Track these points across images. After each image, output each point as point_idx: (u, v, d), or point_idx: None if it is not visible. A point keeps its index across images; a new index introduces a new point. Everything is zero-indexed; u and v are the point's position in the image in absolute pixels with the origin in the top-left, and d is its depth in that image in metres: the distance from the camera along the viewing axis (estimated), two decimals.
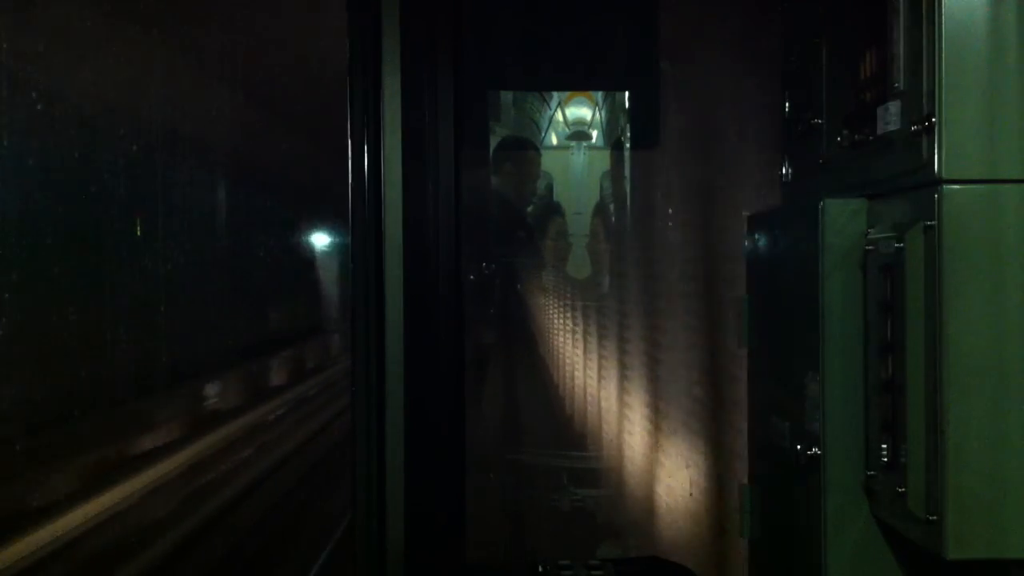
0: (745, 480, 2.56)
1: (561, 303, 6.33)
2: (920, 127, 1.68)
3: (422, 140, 2.96)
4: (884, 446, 1.80)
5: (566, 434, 5.79)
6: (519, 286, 5.61)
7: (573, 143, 5.69)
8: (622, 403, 5.37)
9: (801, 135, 2.32)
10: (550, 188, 5.49)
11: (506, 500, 4.84)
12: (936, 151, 1.64)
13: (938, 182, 1.64)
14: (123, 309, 2.89)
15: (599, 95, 5.44)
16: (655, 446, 4.78)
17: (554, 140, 5.78)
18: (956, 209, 1.63)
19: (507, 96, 5.05)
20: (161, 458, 3.22)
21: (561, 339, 6.40)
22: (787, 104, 2.47)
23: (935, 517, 1.64)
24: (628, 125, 4.71)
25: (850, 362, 1.92)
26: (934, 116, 1.65)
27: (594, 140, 5.69)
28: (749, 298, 2.51)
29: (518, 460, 5.20)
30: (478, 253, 5.01)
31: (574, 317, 6.20)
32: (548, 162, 5.49)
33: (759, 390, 2.49)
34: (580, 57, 3.67)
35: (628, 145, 4.95)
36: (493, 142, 4.78)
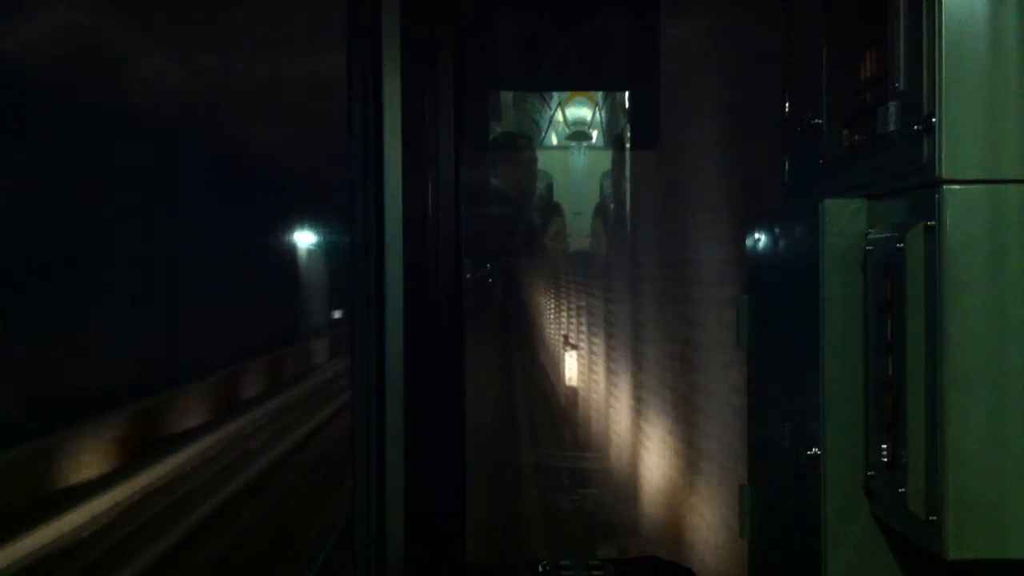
0: (745, 480, 2.56)
1: (559, 302, 6.31)
2: (920, 127, 1.68)
3: (422, 140, 2.96)
4: (884, 446, 1.80)
5: (565, 434, 5.78)
6: (518, 285, 5.59)
7: (573, 143, 5.68)
8: (621, 403, 5.37)
9: (801, 135, 2.32)
10: (550, 188, 5.49)
11: (506, 500, 4.84)
12: (936, 151, 1.64)
13: (938, 182, 1.64)
14: None
15: (599, 95, 5.43)
16: (655, 446, 4.78)
17: (554, 140, 5.77)
18: (956, 209, 1.63)
19: (507, 96, 5.05)
20: None
21: (560, 338, 6.39)
22: (787, 104, 2.47)
23: (935, 517, 1.64)
24: (628, 125, 4.71)
25: (850, 362, 1.92)
26: (934, 116, 1.64)
27: (594, 140, 5.68)
28: (749, 298, 2.51)
29: (518, 460, 5.19)
30: (478, 253, 5.00)
31: (573, 317, 6.18)
32: (548, 162, 5.49)
33: (759, 390, 2.49)
34: (580, 57, 3.67)
35: (628, 145, 4.95)
36: (493, 142, 4.77)
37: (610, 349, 5.62)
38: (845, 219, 1.94)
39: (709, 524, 4.07)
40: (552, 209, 5.40)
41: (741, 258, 2.61)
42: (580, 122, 5.63)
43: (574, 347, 6.53)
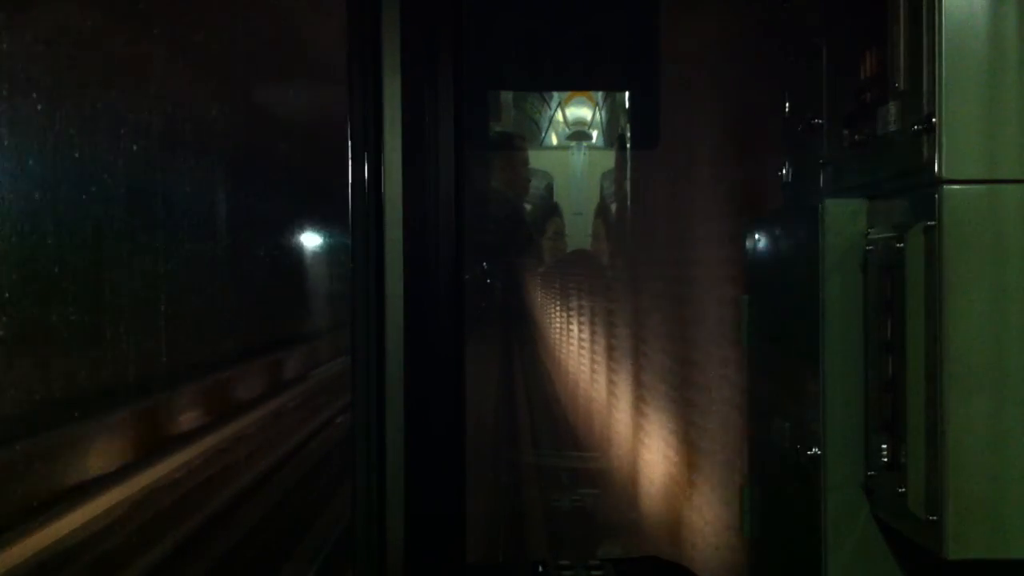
0: (745, 480, 2.56)
1: (559, 303, 6.32)
2: (920, 127, 1.68)
3: (422, 140, 2.95)
4: (884, 446, 1.80)
5: (566, 434, 5.78)
6: (518, 286, 5.60)
7: (573, 143, 5.69)
8: (622, 403, 5.37)
9: (801, 135, 2.32)
10: (550, 188, 5.49)
11: (506, 500, 4.84)
12: (936, 151, 1.64)
13: (938, 182, 1.64)
14: None
15: (599, 95, 5.44)
16: (655, 446, 4.78)
17: (554, 140, 5.78)
18: (956, 209, 1.63)
19: (507, 96, 5.05)
20: None
21: (560, 340, 6.40)
22: (787, 104, 2.47)
23: (935, 517, 1.64)
24: (628, 125, 4.71)
25: (850, 362, 1.92)
26: (934, 116, 1.64)
27: (594, 140, 5.68)
28: (749, 298, 2.51)
29: (518, 460, 5.20)
30: (478, 253, 5.00)
31: (573, 317, 6.19)
32: (548, 162, 5.49)
33: (759, 390, 2.49)
34: (580, 57, 3.67)
35: (628, 145, 4.94)
36: (493, 142, 4.77)
37: (610, 349, 5.62)
38: (845, 219, 1.94)
39: (709, 524, 4.07)
40: (552, 209, 5.39)
41: (741, 257, 2.61)
42: (580, 122, 5.63)
43: (574, 347, 6.56)
